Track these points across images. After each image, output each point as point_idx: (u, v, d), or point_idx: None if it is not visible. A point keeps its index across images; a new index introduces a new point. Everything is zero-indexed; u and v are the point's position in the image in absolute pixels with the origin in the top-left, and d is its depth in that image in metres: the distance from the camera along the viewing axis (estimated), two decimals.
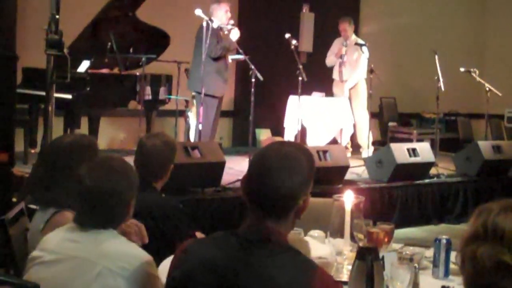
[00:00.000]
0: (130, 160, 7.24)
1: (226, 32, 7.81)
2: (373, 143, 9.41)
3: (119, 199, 2.55)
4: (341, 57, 9.23)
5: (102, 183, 2.52)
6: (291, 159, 2.09)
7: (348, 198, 2.94)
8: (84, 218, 2.53)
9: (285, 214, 2.10)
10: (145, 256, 2.50)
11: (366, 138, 8.76)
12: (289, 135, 8.83)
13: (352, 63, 9.18)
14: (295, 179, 2.07)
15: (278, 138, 9.66)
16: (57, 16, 5.06)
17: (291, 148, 2.14)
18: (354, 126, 9.17)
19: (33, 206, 3.59)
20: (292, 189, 2.07)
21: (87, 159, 3.03)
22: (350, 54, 9.20)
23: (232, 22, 7.86)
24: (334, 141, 9.00)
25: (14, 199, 5.00)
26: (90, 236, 2.49)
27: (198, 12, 7.37)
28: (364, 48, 8.93)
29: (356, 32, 11.26)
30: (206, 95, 7.57)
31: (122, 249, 2.48)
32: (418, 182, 7.62)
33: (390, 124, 11.19)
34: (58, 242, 2.53)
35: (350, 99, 9.18)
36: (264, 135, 10.18)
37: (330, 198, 3.11)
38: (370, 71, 8.28)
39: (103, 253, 2.44)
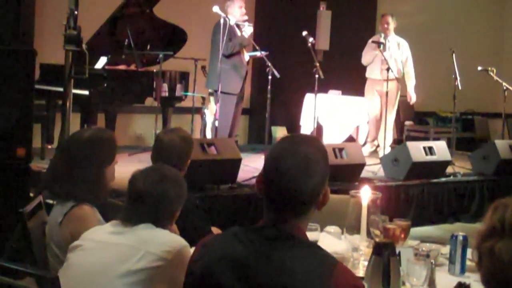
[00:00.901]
0: (147, 155, 7.29)
1: (243, 29, 7.84)
2: None
3: (167, 206, 2.68)
4: (381, 47, 8.72)
5: (154, 187, 2.63)
6: (307, 160, 2.05)
7: (365, 194, 2.94)
8: (130, 216, 2.63)
9: (306, 211, 2.10)
10: (183, 241, 2.60)
11: (389, 138, 8.77)
12: (305, 133, 8.82)
13: (394, 62, 8.93)
14: (314, 180, 2.05)
15: None
16: (75, 12, 5.10)
17: (305, 147, 2.09)
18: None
19: (50, 201, 3.63)
20: (311, 189, 2.06)
21: (106, 153, 3.08)
22: (392, 51, 9.03)
23: (246, 18, 7.88)
24: (350, 139, 9.00)
25: (31, 194, 5.05)
26: (132, 229, 2.59)
27: (216, 9, 7.42)
28: (408, 48, 9.16)
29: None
30: (222, 92, 7.60)
31: (162, 235, 2.59)
32: (434, 180, 7.59)
33: (407, 122, 11.16)
34: (100, 234, 2.63)
35: (381, 97, 8.99)
36: (280, 133, 10.18)
37: (347, 195, 3.12)
38: (387, 69, 8.25)
39: (145, 239, 2.54)
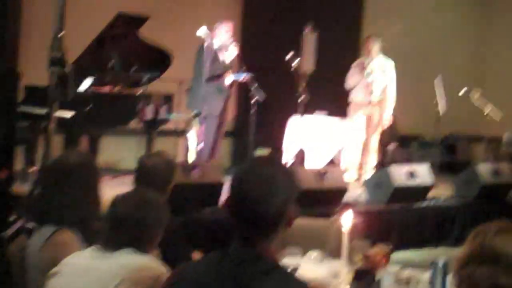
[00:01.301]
0: (130, 178, 7.24)
1: (225, 53, 7.89)
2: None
3: (147, 231, 2.69)
4: (365, 71, 8.80)
5: (134, 212, 2.62)
6: (269, 179, 2.08)
7: (346, 220, 2.96)
8: (110, 241, 2.64)
9: (274, 230, 2.11)
10: (162, 268, 2.61)
11: (371, 162, 8.77)
12: (288, 156, 8.84)
13: (378, 84, 8.95)
14: (278, 199, 2.07)
15: None
16: (60, 34, 5.10)
17: (267, 168, 2.13)
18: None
19: (31, 225, 3.61)
20: (276, 209, 2.07)
21: (91, 177, 3.09)
22: (377, 74, 8.99)
23: (231, 41, 7.91)
24: (333, 161, 9.02)
25: (11, 218, 5.01)
26: (113, 254, 2.59)
27: (200, 32, 7.46)
28: (393, 70, 9.11)
29: (357, 51, 11.34)
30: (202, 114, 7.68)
31: (142, 261, 2.59)
32: (416, 205, 7.61)
33: (390, 146, 11.21)
34: (80, 259, 2.63)
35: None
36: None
37: (328, 219, 3.14)
38: (370, 93, 8.30)
39: (124, 265, 2.54)
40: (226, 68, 7.93)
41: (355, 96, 9.04)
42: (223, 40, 7.81)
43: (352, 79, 8.96)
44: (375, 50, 9.05)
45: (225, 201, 2.18)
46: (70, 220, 3.00)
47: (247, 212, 2.07)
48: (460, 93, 9.00)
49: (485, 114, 8.98)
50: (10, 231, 3.13)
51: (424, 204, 7.72)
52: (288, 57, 7.89)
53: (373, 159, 8.95)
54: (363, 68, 8.80)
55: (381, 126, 9.05)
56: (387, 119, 9.08)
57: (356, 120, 9.01)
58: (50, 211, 3.03)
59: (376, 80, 8.93)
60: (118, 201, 2.72)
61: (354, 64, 9.10)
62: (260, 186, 2.07)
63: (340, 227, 2.96)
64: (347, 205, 7.12)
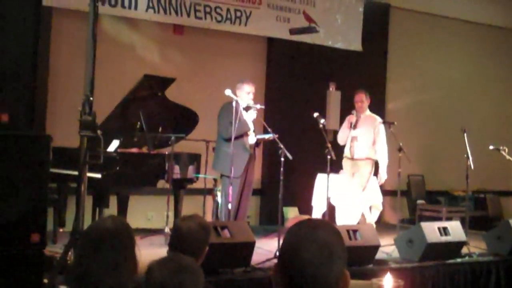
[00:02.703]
0: (159, 238, 7.23)
1: (248, 113, 7.92)
2: (402, 221, 9.33)
3: None
4: (352, 127, 8.74)
5: (171, 279, 2.59)
6: (328, 245, 1.99)
7: (388, 282, 2.92)
8: None
9: None
10: None
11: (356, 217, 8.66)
12: (317, 213, 8.80)
13: (366, 140, 8.81)
14: (337, 265, 1.99)
15: (304, 216, 9.65)
16: (91, 98, 5.16)
17: (323, 232, 2.02)
18: (383, 204, 9.14)
19: (63, 287, 3.59)
20: (334, 277, 1.99)
21: (130, 240, 3.07)
22: (364, 129, 8.85)
23: (252, 103, 7.94)
24: (362, 220, 8.95)
25: (45, 280, 5.01)
26: None
27: (228, 92, 7.51)
28: (381, 126, 8.87)
29: (383, 109, 11.37)
30: (224, 175, 7.69)
31: None
32: (449, 261, 7.51)
33: (419, 202, 11.14)
34: None
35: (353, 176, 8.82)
36: (291, 213, 10.17)
37: (368, 281, 3.10)
38: (399, 149, 8.26)
39: None
40: (248, 128, 7.95)
41: (345, 152, 8.92)
42: (245, 100, 7.84)
43: (341, 134, 8.88)
44: (365, 106, 8.97)
45: (275, 268, 2.08)
46: (108, 286, 2.98)
47: (306, 280, 1.97)
48: (490, 148, 8.92)
49: None
50: None
51: (458, 260, 7.61)
52: (315, 115, 7.89)
53: (357, 215, 8.75)
54: (350, 124, 8.79)
55: (369, 183, 8.90)
56: (383, 176, 8.85)
57: (345, 175, 8.89)
58: (88, 276, 3.00)
59: (363, 134, 8.80)
60: (154, 267, 2.70)
61: (345, 121, 9.05)
62: (321, 251, 1.97)
63: None
64: (380, 262, 7.09)
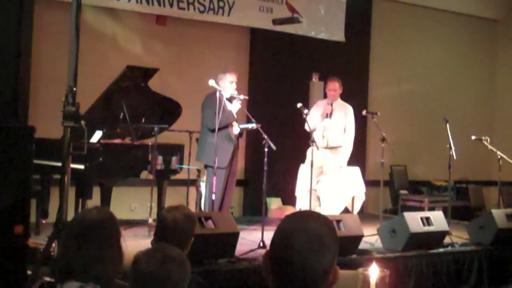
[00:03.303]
0: (142, 229, 7.22)
1: (232, 104, 7.92)
2: (385, 211, 9.38)
3: (172, 287, 2.61)
4: (327, 116, 8.65)
5: (158, 269, 2.60)
6: (319, 236, 2.00)
7: (374, 272, 2.93)
8: None
9: None
10: None
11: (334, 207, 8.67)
12: (301, 204, 8.82)
13: (340, 128, 8.78)
14: (327, 257, 2.00)
15: (289, 208, 9.68)
16: (74, 88, 5.13)
17: (315, 223, 2.03)
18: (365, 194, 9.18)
19: (48, 279, 3.59)
20: (324, 268, 2.00)
21: (115, 231, 3.08)
22: (338, 117, 8.82)
23: (236, 93, 7.94)
24: (345, 210, 9.00)
25: (29, 272, 4.99)
26: None
27: (212, 82, 7.52)
28: (352, 114, 8.89)
29: (365, 99, 11.41)
30: (210, 166, 7.68)
31: None
32: (432, 251, 7.57)
33: (401, 192, 11.20)
34: None
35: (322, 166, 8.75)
36: (275, 204, 10.19)
37: (353, 270, 3.11)
38: (382, 139, 8.28)
39: None
40: (232, 118, 7.95)
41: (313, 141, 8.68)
42: (229, 90, 7.84)
43: (311, 123, 8.52)
44: (338, 94, 8.95)
45: (265, 256, 2.09)
46: (93, 277, 2.98)
47: (295, 269, 1.98)
48: (473, 138, 8.99)
49: (498, 158, 8.94)
50: (32, 286, 3.10)
51: (441, 250, 7.67)
52: (298, 105, 7.90)
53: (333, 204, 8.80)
54: (327, 114, 8.70)
55: (352, 173, 8.91)
56: (344, 165, 8.88)
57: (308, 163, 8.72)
58: (73, 268, 3.00)
59: (336, 123, 8.78)
60: (141, 258, 2.69)
61: (315, 106, 8.99)
62: (311, 241, 1.99)
63: (367, 280, 2.93)
64: (364, 252, 7.14)
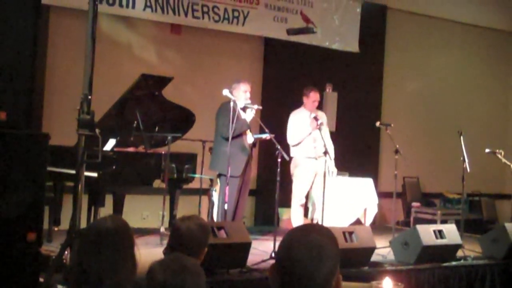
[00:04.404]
0: (154, 238, 7.21)
1: (246, 113, 7.94)
2: (397, 223, 9.35)
3: None
4: (319, 128, 8.31)
5: (173, 279, 2.60)
6: (318, 247, 2.11)
7: (387, 285, 2.93)
8: None
9: None
10: None
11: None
12: (313, 214, 8.81)
13: (325, 137, 8.49)
14: (326, 267, 2.09)
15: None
16: (89, 97, 5.16)
17: (316, 235, 2.15)
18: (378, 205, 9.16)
19: (61, 287, 3.60)
20: (324, 277, 2.09)
21: (124, 243, 3.08)
22: (324, 127, 8.66)
23: (249, 102, 7.96)
24: (358, 222, 8.98)
25: (41, 279, 5.01)
26: None
27: (226, 92, 7.53)
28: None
29: (379, 110, 11.41)
30: (223, 175, 7.68)
31: None
32: (445, 264, 7.54)
33: (414, 204, 11.17)
34: None
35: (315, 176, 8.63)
36: (287, 214, 10.15)
37: (367, 283, 3.11)
38: (395, 151, 8.26)
39: None
40: (246, 127, 7.97)
41: (304, 151, 8.66)
42: (243, 99, 7.85)
43: (297, 136, 8.53)
44: (318, 104, 8.84)
45: (271, 268, 2.18)
46: (108, 285, 2.98)
47: (296, 279, 2.08)
48: (486, 151, 8.96)
49: None
50: None
51: (453, 263, 7.63)
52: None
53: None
54: (314, 118, 8.45)
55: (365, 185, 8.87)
56: (334, 170, 8.77)
57: (307, 176, 8.68)
58: (88, 276, 3.01)
59: (323, 132, 8.56)
60: (156, 268, 2.70)
61: (295, 117, 8.77)
62: (311, 252, 2.09)
63: None
64: (375, 264, 7.12)
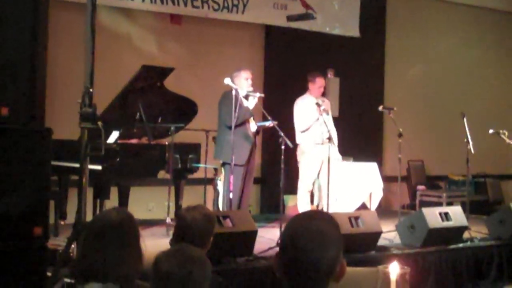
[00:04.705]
0: (160, 229, 7.23)
1: (248, 101, 7.92)
2: (403, 207, 9.35)
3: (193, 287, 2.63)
4: (326, 113, 8.51)
5: (179, 270, 2.61)
6: (321, 234, 2.14)
7: (394, 269, 2.92)
8: None
9: (324, 285, 2.15)
10: None
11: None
12: (318, 200, 8.81)
13: (331, 123, 8.71)
14: (329, 253, 2.13)
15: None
16: (91, 89, 5.14)
17: (318, 222, 2.18)
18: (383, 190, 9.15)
19: (68, 280, 3.60)
20: (328, 263, 2.13)
21: (130, 234, 3.09)
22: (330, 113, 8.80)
23: (251, 89, 7.94)
24: (363, 206, 8.98)
25: (48, 273, 5.02)
26: None
27: (227, 81, 7.51)
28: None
29: (381, 94, 11.39)
30: (228, 163, 7.67)
31: None
32: (451, 246, 7.54)
33: (419, 187, 11.16)
34: None
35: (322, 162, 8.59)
36: (292, 201, 10.16)
37: (373, 267, 3.11)
38: (399, 135, 8.26)
39: None
40: (249, 115, 7.96)
41: (311, 138, 8.65)
42: (243, 88, 7.84)
43: (306, 122, 8.57)
44: (323, 90, 8.85)
45: (276, 256, 2.20)
46: (114, 277, 2.99)
47: (300, 266, 2.11)
48: (490, 131, 8.94)
49: None
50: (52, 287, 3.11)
51: (460, 245, 7.64)
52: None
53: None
54: (322, 109, 8.48)
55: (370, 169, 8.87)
56: (339, 156, 8.80)
57: (315, 162, 8.68)
58: (93, 269, 3.02)
59: (329, 120, 8.69)
60: (162, 258, 2.70)
61: (303, 103, 8.74)
62: (313, 239, 2.12)
63: (387, 277, 2.92)
64: (382, 249, 7.12)
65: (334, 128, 8.79)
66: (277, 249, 2.23)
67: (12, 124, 5.04)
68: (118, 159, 7.19)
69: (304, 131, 8.55)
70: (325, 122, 8.12)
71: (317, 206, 8.83)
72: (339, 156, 8.76)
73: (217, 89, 8.11)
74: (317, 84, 8.71)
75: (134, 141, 7.92)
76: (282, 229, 6.89)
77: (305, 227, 2.16)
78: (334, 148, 8.43)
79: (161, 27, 9.72)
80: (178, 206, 7.98)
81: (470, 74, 12.73)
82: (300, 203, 8.73)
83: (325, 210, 8.16)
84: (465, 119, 8.54)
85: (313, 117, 8.53)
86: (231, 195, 7.51)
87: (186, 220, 3.61)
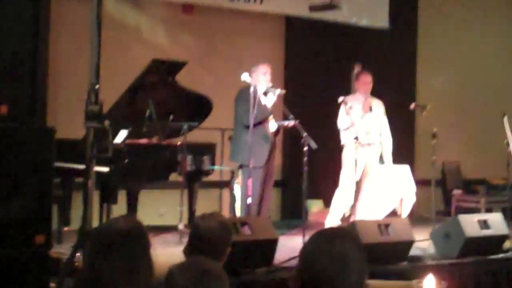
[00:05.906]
0: (172, 236, 7.23)
1: (266, 98, 7.90)
2: (437, 213, 9.28)
3: None
4: (370, 110, 8.64)
5: (194, 285, 2.59)
6: (343, 258, 2.10)
7: (429, 284, 2.90)
8: None
9: None
10: None
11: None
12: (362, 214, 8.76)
13: (378, 124, 8.78)
14: (352, 279, 2.09)
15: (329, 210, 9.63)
16: (97, 86, 5.16)
17: (340, 243, 2.14)
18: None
19: None
20: (352, 286, 2.10)
21: (139, 245, 3.07)
22: (376, 112, 8.83)
23: (270, 85, 7.91)
24: (393, 213, 8.92)
25: (52, 284, 5.03)
26: None
27: (245, 77, 7.49)
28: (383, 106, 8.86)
29: (413, 91, 11.33)
30: (246, 166, 7.64)
31: None
32: (491, 257, 7.48)
33: (455, 192, 11.08)
34: None
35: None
36: (315, 207, 10.15)
37: (406, 282, 3.09)
38: (433, 135, 8.22)
39: None
40: (268, 114, 7.93)
41: (350, 138, 8.69)
42: (262, 83, 7.81)
43: (348, 118, 8.60)
44: (371, 86, 8.87)
45: (293, 276, 2.16)
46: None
47: None
48: None
49: None
50: None
51: (500, 256, 7.57)
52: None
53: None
54: (370, 107, 8.60)
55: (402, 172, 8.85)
56: (389, 162, 8.87)
57: (352, 164, 8.65)
58: (100, 282, 3.01)
59: (374, 118, 8.76)
60: (175, 272, 2.68)
61: (347, 104, 8.69)
62: (334, 264, 2.09)
63: None
64: (415, 259, 7.08)
65: (389, 133, 8.82)
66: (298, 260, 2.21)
67: (12, 122, 5.06)
68: (126, 161, 7.19)
69: (345, 130, 8.57)
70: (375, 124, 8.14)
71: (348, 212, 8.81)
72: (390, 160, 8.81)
73: (233, 84, 8.09)
74: (361, 80, 8.82)
75: (143, 141, 7.91)
76: (305, 236, 6.91)
77: (325, 249, 2.12)
78: (377, 152, 8.43)
79: (172, 18, 9.73)
80: (191, 212, 7.99)
81: (509, 72, 12.61)
82: (332, 214, 8.68)
83: (352, 217, 8.16)
84: (505, 119, 8.47)
85: (356, 115, 8.56)
86: (249, 200, 7.49)
87: (201, 229, 3.59)
